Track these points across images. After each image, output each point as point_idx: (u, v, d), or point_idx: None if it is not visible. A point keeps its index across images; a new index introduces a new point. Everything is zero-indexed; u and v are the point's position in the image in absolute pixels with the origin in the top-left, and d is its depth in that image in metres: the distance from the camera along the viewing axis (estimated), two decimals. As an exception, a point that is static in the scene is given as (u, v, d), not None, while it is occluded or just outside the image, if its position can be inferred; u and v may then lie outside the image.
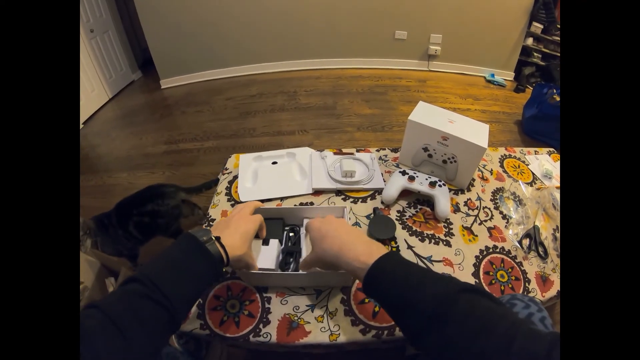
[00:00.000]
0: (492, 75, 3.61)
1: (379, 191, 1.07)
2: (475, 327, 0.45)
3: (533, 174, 1.21)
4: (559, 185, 1.17)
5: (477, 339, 0.44)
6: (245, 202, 1.03)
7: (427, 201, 1.04)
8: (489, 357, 0.43)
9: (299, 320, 0.76)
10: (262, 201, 1.04)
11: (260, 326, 0.75)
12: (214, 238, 0.62)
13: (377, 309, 0.78)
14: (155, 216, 1.50)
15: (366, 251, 0.60)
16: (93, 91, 3.28)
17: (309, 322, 0.75)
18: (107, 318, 0.46)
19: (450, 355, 0.47)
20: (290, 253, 0.86)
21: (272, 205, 1.03)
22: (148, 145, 2.69)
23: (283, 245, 0.89)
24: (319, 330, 0.74)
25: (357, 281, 0.82)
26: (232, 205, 1.04)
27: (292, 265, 0.83)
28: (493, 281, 0.85)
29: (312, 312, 0.77)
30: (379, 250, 0.60)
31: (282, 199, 1.05)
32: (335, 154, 1.20)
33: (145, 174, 2.37)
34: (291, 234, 0.88)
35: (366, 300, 0.79)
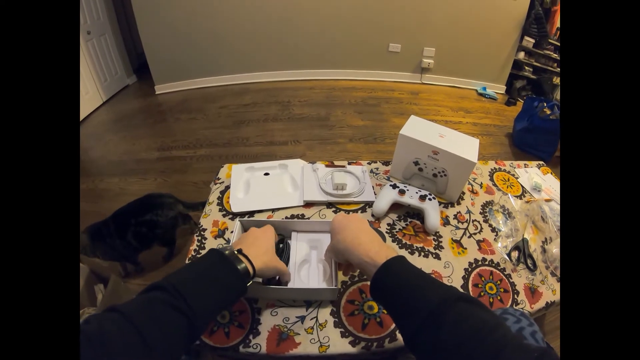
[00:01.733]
0: (484, 89, 3.67)
1: (369, 204, 1.08)
2: (466, 334, 0.47)
3: (522, 187, 1.23)
4: (548, 197, 1.19)
5: (466, 346, 0.46)
6: (237, 212, 1.04)
7: (417, 214, 1.06)
8: None
9: (289, 331, 0.76)
10: (254, 212, 1.04)
11: (250, 337, 0.75)
12: (236, 252, 0.65)
13: (366, 321, 0.78)
14: (153, 227, 1.52)
15: (377, 250, 0.64)
16: (87, 94, 3.27)
17: (299, 334, 0.75)
18: (129, 323, 0.45)
19: (439, 358, 0.49)
20: None
21: (263, 216, 1.04)
22: (141, 151, 2.68)
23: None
24: (309, 341, 0.74)
25: (346, 293, 0.83)
26: (224, 215, 1.04)
27: (277, 277, 0.82)
28: (482, 293, 0.86)
29: (302, 323, 0.77)
30: (388, 251, 0.63)
31: (273, 210, 1.05)
32: (327, 166, 1.21)
33: (137, 179, 2.36)
34: (280, 245, 0.89)
35: (355, 312, 0.80)
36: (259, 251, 0.69)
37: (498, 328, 0.47)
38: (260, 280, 0.78)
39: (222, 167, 1.25)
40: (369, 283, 0.85)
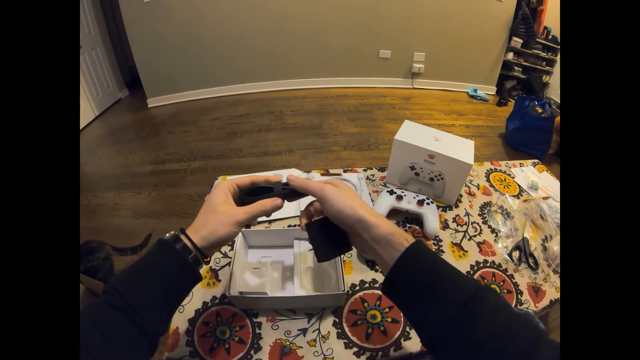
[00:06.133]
0: (475, 91, 3.70)
1: (367, 210, 1.07)
2: (500, 327, 0.44)
3: (519, 186, 1.23)
4: (545, 195, 1.19)
5: (500, 339, 0.43)
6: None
7: (416, 219, 1.05)
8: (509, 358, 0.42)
9: (291, 345, 0.74)
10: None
11: (252, 352, 0.73)
12: (178, 233, 0.56)
13: (370, 330, 0.77)
14: (93, 272, 1.52)
15: (396, 231, 0.54)
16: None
17: (302, 347, 0.74)
18: None
19: (472, 352, 0.45)
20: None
21: (260, 227, 1.02)
22: (134, 165, 2.66)
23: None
24: (312, 354, 0.73)
25: (348, 303, 0.82)
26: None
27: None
28: (484, 297, 0.85)
29: (304, 336, 0.76)
30: (402, 232, 0.55)
31: (270, 221, 1.04)
32: (322, 174, 1.20)
33: (131, 194, 2.34)
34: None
35: (358, 322, 0.78)
36: (197, 224, 0.57)
37: (529, 322, 0.45)
38: (264, 291, 0.77)
39: (217, 179, 1.23)
40: (371, 292, 0.84)
